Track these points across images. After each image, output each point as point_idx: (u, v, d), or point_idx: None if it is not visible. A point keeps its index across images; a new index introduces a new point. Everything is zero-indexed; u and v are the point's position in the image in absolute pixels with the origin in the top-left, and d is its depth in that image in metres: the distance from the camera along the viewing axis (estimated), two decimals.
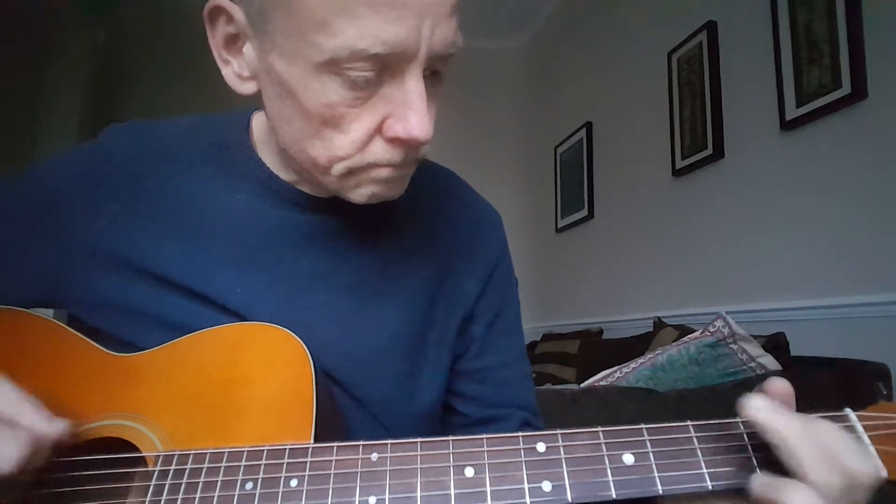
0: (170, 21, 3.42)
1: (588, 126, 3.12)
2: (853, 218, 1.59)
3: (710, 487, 0.38)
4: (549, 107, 3.70)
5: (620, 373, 1.56)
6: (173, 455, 0.45)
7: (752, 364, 1.45)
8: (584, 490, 0.39)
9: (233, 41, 0.50)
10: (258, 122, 0.62)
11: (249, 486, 0.42)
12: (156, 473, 0.44)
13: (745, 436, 0.41)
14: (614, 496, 0.39)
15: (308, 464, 0.42)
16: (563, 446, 0.41)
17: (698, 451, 0.40)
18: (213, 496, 0.42)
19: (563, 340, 2.75)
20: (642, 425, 0.41)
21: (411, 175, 0.54)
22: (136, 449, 0.47)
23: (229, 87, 0.53)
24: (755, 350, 1.49)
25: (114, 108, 3.68)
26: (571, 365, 2.47)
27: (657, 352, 1.57)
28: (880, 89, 1.52)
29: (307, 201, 0.58)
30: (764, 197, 1.90)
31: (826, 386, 1.31)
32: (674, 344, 1.58)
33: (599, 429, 0.41)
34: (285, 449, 0.43)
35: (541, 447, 0.41)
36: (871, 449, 0.39)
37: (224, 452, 0.44)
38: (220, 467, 0.43)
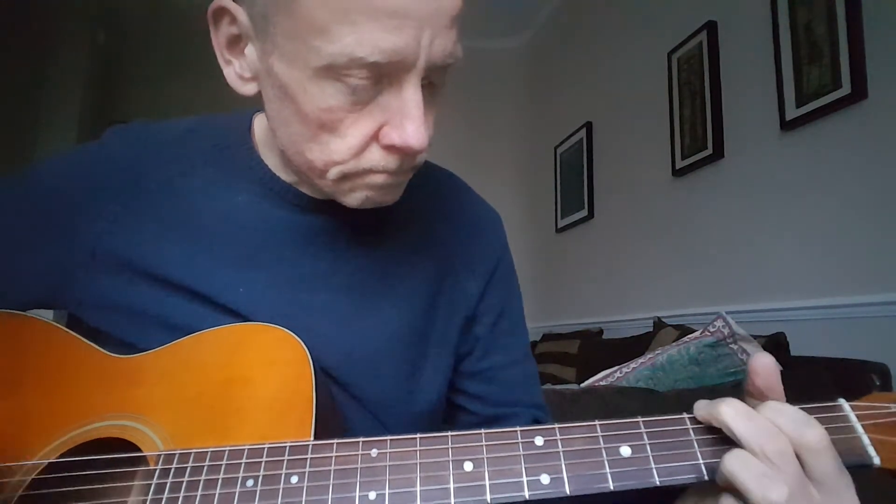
0: (170, 21, 3.43)
1: (588, 126, 3.12)
2: (853, 218, 1.60)
3: (707, 478, 0.39)
4: (549, 107, 3.70)
5: (620, 373, 1.56)
6: (174, 454, 0.45)
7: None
8: (582, 482, 0.39)
9: (235, 42, 0.51)
10: (260, 123, 0.62)
11: (250, 483, 0.42)
12: (157, 472, 0.44)
13: None
14: (612, 488, 0.39)
15: (308, 460, 0.42)
16: (561, 439, 0.41)
17: (694, 443, 0.40)
18: (215, 494, 0.42)
19: (563, 340, 2.76)
20: (639, 418, 0.41)
21: (407, 182, 0.54)
22: (137, 449, 0.47)
23: (230, 88, 0.53)
24: (755, 350, 1.49)
25: (114, 108, 3.69)
26: (571, 365, 2.47)
27: (657, 352, 1.57)
28: (880, 89, 1.53)
29: (308, 202, 0.59)
30: (764, 197, 1.91)
31: (826, 386, 1.31)
32: (674, 344, 1.58)
33: (597, 422, 0.41)
34: (286, 446, 0.43)
35: (539, 441, 0.41)
36: (865, 438, 0.39)
37: (225, 451, 0.44)
38: (221, 465, 0.43)
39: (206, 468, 0.43)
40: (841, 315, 1.60)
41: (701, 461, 0.39)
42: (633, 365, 1.56)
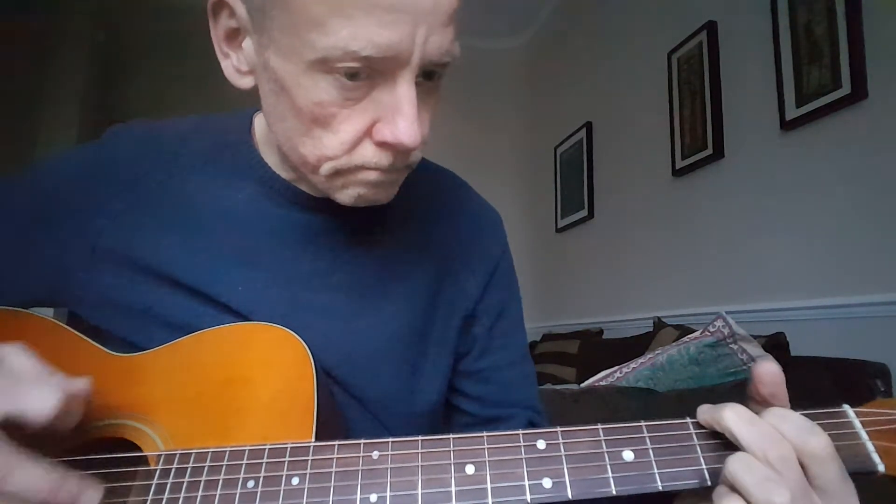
0: (170, 21, 3.43)
1: (588, 126, 3.12)
2: (853, 218, 1.60)
3: (710, 483, 0.38)
4: (549, 107, 3.70)
5: (620, 373, 1.56)
6: (175, 454, 0.45)
7: (752, 364, 1.45)
8: (585, 487, 0.39)
9: (234, 35, 0.51)
10: (260, 122, 0.62)
11: (251, 484, 0.42)
12: (157, 472, 0.44)
13: None
14: (614, 492, 0.39)
15: (309, 462, 0.42)
16: (564, 443, 0.41)
17: (697, 448, 0.40)
18: (215, 495, 0.42)
19: (563, 340, 2.76)
20: (642, 422, 0.41)
21: (401, 181, 0.54)
22: (137, 449, 0.47)
23: (229, 87, 0.53)
24: (755, 350, 1.49)
25: (114, 108, 3.68)
26: (571, 365, 2.47)
27: (657, 352, 1.57)
28: (880, 89, 1.53)
29: (308, 201, 0.59)
30: (764, 197, 1.91)
31: (826, 386, 1.32)
32: (674, 344, 1.58)
33: (599, 426, 0.41)
34: (287, 447, 0.43)
35: (541, 444, 0.41)
36: (869, 445, 0.39)
37: (226, 451, 0.44)
38: (222, 466, 0.43)
39: (206, 468, 0.43)
40: (841, 315, 1.60)
41: (704, 466, 0.39)
42: (633, 365, 1.56)
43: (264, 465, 0.42)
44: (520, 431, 0.42)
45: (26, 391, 0.40)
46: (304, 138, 0.48)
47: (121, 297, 0.56)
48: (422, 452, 0.41)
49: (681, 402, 1.29)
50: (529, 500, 0.39)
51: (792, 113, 1.76)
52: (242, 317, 0.55)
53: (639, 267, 2.63)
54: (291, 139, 0.50)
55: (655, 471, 0.39)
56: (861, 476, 0.38)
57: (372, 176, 0.50)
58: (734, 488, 0.36)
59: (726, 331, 1.50)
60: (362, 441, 0.42)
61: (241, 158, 0.60)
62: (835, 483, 0.36)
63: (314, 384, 0.47)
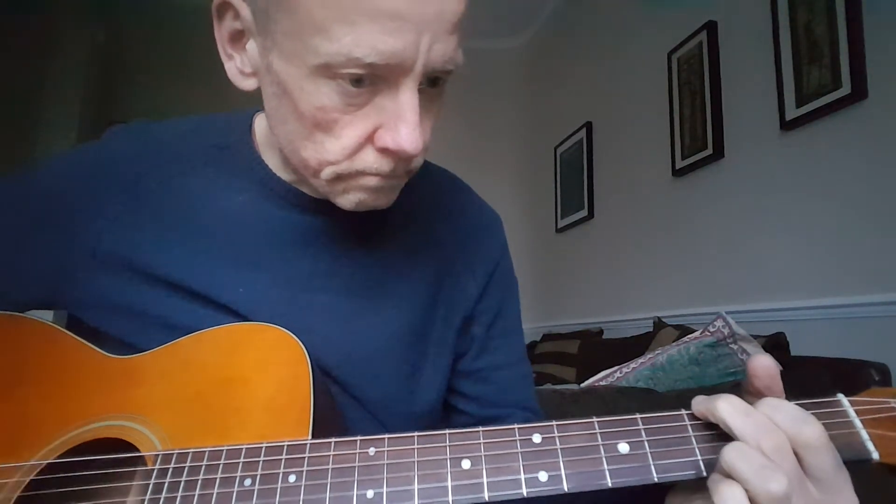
0: (170, 21, 3.43)
1: (588, 126, 3.12)
2: (853, 218, 1.60)
3: (705, 474, 0.39)
4: (549, 107, 3.70)
5: (620, 373, 1.56)
6: (172, 454, 0.45)
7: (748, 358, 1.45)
8: (581, 479, 0.39)
9: (238, 37, 0.51)
10: (260, 123, 0.62)
11: (248, 482, 0.42)
12: (155, 472, 0.44)
13: None
14: (610, 485, 0.39)
15: (306, 459, 0.42)
16: (559, 437, 0.41)
17: (693, 439, 0.40)
18: (212, 493, 0.42)
19: (563, 340, 2.76)
20: (637, 415, 0.41)
21: (402, 186, 0.54)
22: (135, 449, 0.47)
23: (231, 88, 0.53)
24: (755, 350, 1.49)
25: (114, 108, 3.69)
26: (571, 365, 2.47)
27: (657, 352, 1.57)
28: (880, 89, 1.53)
29: (308, 202, 0.59)
30: (764, 197, 1.91)
31: (826, 386, 1.31)
32: (674, 344, 1.58)
33: (594, 419, 0.41)
34: (283, 446, 0.43)
35: (537, 438, 0.41)
36: (864, 433, 0.39)
37: (222, 450, 0.44)
38: (219, 465, 0.43)
39: (203, 468, 0.43)
40: (841, 315, 1.60)
41: (699, 457, 0.39)
42: (633, 365, 1.56)
43: (261, 463, 0.42)
44: (515, 426, 0.42)
45: None
46: (306, 142, 0.48)
47: (120, 299, 0.56)
48: (418, 448, 0.41)
49: (681, 403, 1.28)
50: (525, 494, 0.39)
51: (792, 113, 1.76)
52: (243, 318, 0.55)
53: (639, 267, 2.63)
54: (293, 142, 0.50)
55: (651, 463, 0.39)
56: (856, 465, 0.39)
57: (373, 181, 0.50)
58: (729, 477, 0.36)
59: (726, 331, 1.50)
60: (358, 438, 0.42)
61: (241, 159, 0.60)
62: (829, 471, 0.37)
63: (310, 384, 0.47)
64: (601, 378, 1.59)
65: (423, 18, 0.42)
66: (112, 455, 0.48)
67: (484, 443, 0.41)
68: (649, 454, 0.40)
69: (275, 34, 0.45)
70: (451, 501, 0.39)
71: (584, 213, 3.11)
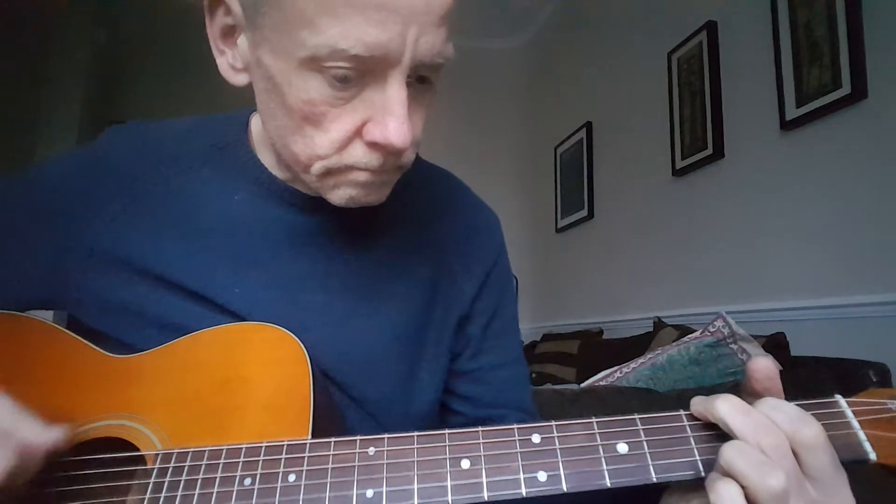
0: (170, 21, 3.43)
1: (588, 126, 3.12)
2: (853, 218, 1.60)
3: (704, 475, 0.39)
4: (549, 107, 3.70)
5: (620, 373, 1.56)
6: (172, 453, 0.45)
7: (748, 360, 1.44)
8: (579, 479, 0.39)
9: (229, 33, 0.51)
10: (257, 122, 0.62)
11: (248, 481, 0.42)
12: (155, 471, 0.44)
13: None
14: (609, 485, 0.39)
15: (306, 459, 0.42)
16: (558, 437, 0.41)
17: (691, 440, 0.40)
18: (212, 492, 0.42)
19: (563, 340, 2.76)
20: (636, 415, 0.41)
21: (393, 182, 0.54)
22: (135, 449, 0.47)
23: (229, 87, 0.53)
24: (755, 350, 1.49)
25: (114, 108, 3.69)
26: (571, 365, 2.47)
27: (657, 352, 1.57)
28: (880, 89, 1.53)
29: (305, 202, 0.59)
30: (764, 197, 1.91)
31: (826, 386, 1.31)
32: (674, 344, 1.58)
33: (594, 419, 0.41)
34: (283, 445, 0.43)
35: (536, 438, 0.41)
36: (861, 434, 0.39)
37: (222, 450, 0.44)
38: (219, 464, 0.43)
39: (203, 467, 0.43)
40: (841, 315, 1.60)
41: (698, 458, 0.39)
42: (633, 365, 1.56)
43: (261, 462, 0.43)
44: (514, 426, 0.42)
45: None
46: (296, 136, 0.48)
47: (118, 299, 0.56)
48: (417, 448, 0.41)
49: (681, 403, 1.28)
50: (525, 494, 0.39)
51: (792, 113, 1.76)
52: (240, 318, 0.55)
53: (639, 267, 2.63)
54: (283, 137, 0.50)
55: (650, 463, 0.39)
56: (854, 465, 0.39)
57: (362, 176, 0.50)
58: (728, 475, 0.36)
59: (726, 331, 1.50)
60: (358, 437, 0.43)
61: (237, 159, 0.60)
62: (827, 471, 0.37)
63: (310, 384, 0.47)
64: (601, 378, 1.58)
65: (409, 10, 0.42)
66: (112, 454, 0.48)
67: (483, 443, 0.41)
68: (648, 454, 0.40)
69: (263, 28, 0.45)
70: (450, 501, 0.39)
71: (584, 213, 3.11)
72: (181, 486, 0.43)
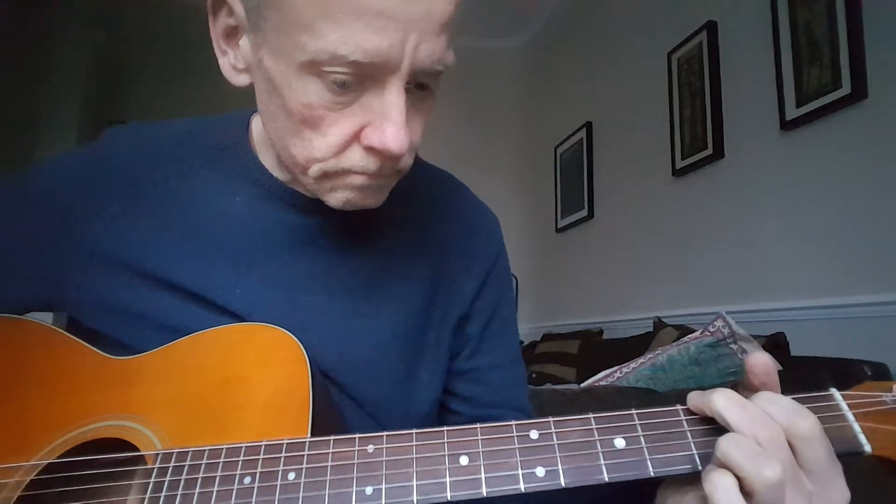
0: (170, 21, 3.43)
1: (588, 126, 3.13)
2: (853, 218, 1.60)
3: (701, 468, 0.39)
4: (549, 107, 3.70)
5: (620, 373, 1.56)
6: (172, 453, 0.45)
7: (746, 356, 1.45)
8: (577, 474, 0.39)
9: (232, 33, 0.51)
10: (257, 123, 0.62)
11: (248, 480, 0.42)
12: (155, 471, 0.44)
13: None
14: (606, 479, 0.39)
15: (305, 457, 0.42)
16: (556, 433, 0.41)
17: (688, 434, 0.40)
18: (212, 491, 0.42)
19: (563, 340, 2.76)
20: (633, 410, 0.42)
21: (391, 186, 0.54)
22: (135, 449, 0.47)
23: (230, 87, 0.53)
24: (755, 350, 1.49)
25: (114, 108, 3.69)
26: (571, 365, 2.47)
27: (657, 352, 1.57)
28: (880, 89, 1.53)
29: (305, 203, 0.59)
30: (764, 197, 1.91)
31: (825, 386, 1.31)
32: (674, 344, 1.58)
33: (591, 415, 0.42)
34: (283, 444, 0.43)
35: (534, 434, 0.41)
36: (856, 426, 0.39)
37: (222, 449, 0.44)
38: (219, 463, 0.43)
39: (203, 466, 0.43)
40: (841, 315, 1.60)
41: (695, 451, 0.40)
42: (633, 365, 1.56)
43: (260, 461, 0.43)
44: (512, 422, 0.42)
45: None
46: (295, 139, 0.49)
47: (118, 300, 0.56)
48: (416, 445, 0.41)
49: (681, 403, 1.29)
50: (523, 489, 0.39)
51: (792, 113, 1.76)
52: (240, 318, 0.55)
53: (639, 267, 2.63)
54: (283, 139, 0.50)
55: (647, 457, 0.40)
56: (849, 457, 0.39)
57: (359, 180, 0.50)
58: (724, 467, 0.37)
59: (726, 331, 1.50)
60: (357, 435, 0.43)
61: (237, 160, 0.60)
62: (822, 464, 0.37)
63: (309, 384, 0.47)
64: (601, 378, 1.59)
65: (409, 17, 0.42)
66: (112, 455, 0.48)
67: (482, 439, 0.41)
68: (645, 449, 0.40)
69: (265, 31, 0.45)
70: (449, 497, 0.39)
71: (584, 213, 3.11)
72: (181, 485, 0.43)
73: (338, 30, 0.41)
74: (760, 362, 0.41)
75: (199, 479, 0.43)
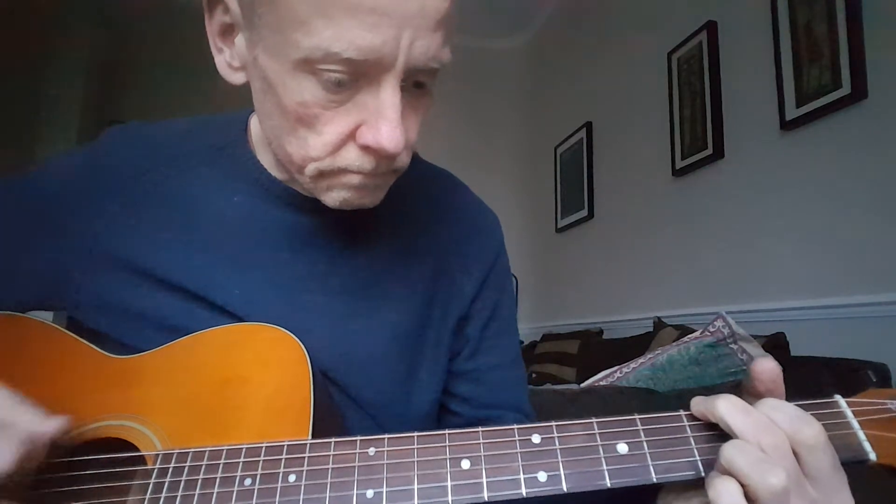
0: (170, 21, 3.43)
1: (588, 126, 3.12)
2: (853, 218, 1.60)
3: (704, 475, 0.39)
4: (549, 107, 3.70)
5: (620, 373, 1.56)
6: (172, 453, 0.45)
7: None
8: (579, 479, 0.39)
9: (228, 31, 0.51)
10: (256, 123, 0.62)
11: (248, 482, 0.42)
12: (155, 472, 0.44)
13: None
14: (609, 485, 0.39)
15: (306, 459, 0.42)
16: (558, 437, 0.41)
17: (691, 440, 0.40)
18: (213, 493, 0.42)
19: (563, 340, 2.76)
20: (636, 415, 0.41)
21: (388, 185, 0.54)
22: (136, 449, 0.47)
23: (228, 87, 0.53)
24: (755, 350, 1.49)
25: (114, 108, 3.69)
26: (571, 365, 2.47)
27: (657, 352, 1.57)
28: (880, 89, 1.53)
29: (304, 202, 0.58)
30: (764, 197, 1.91)
31: (826, 386, 1.31)
32: (674, 344, 1.58)
33: (594, 420, 0.41)
34: (283, 445, 0.43)
35: (536, 439, 0.41)
36: (861, 434, 0.39)
37: (223, 450, 0.44)
38: (219, 464, 0.43)
39: (203, 467, 0.43)
40: (841, 315, 1.60)
41: (698, 458, 0.40)
42: (633, 365, 1.56)
43: (261, 462, 0.43)
44: (514, 426, 0.42)
45: None
46: (290, 137, 0.48)
47: (117, 300, 0.56)
48: (417, 448, 0.41)
49: (681, 403, 1.29)
50: (525, 494, 0.39)
51: (792, 113, 1.76)
52: (239, 318, 0.55)
53: (639, 267, 2.63)
54: (279, 137, 0.50)
55: (650, 463, 0.39)
56: (854, 465, 0.39)
57: (355, 179, 0.50)
58: (728, 474, 0.36)
59: (726, 331, 1.50)
60: (358, 438, 0.43)
61: (236, 160, 0.60)
62: (827, 472, 0.37)
63: (310, 384, 0.47)
64: (601, 378, 1.59)
65: (403, 14, 0.42)
66: (112, 455, 0.48)
67: (483, 443, 0.41)
68: (648, 454, 0.40)
69: (259, 28, 0.45)
70: (450, 501, 0.39)
71: (584, 213, 3.11)
72: (181, 486, 0.43)
73: (331, 27, 0.41)
74: (767, 369, 0.41)
75: (200, 481, 0.43)
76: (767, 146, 1.89)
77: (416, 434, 0.42)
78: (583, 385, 1.59)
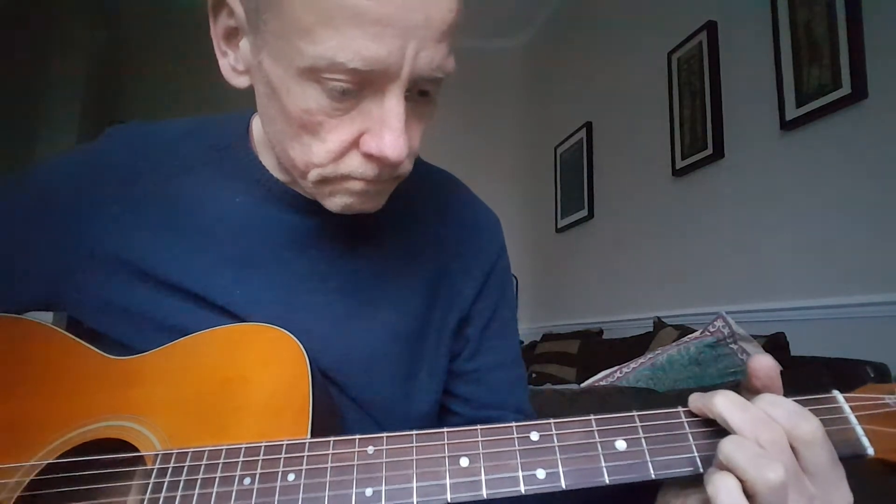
0: (170, 21, 3.43)
1: (588, 126, 3.12)
2: (853, 218, 1.60)
3: (702, 471, 0.39)
4: (549, 107, 3.70)
5: (620, 373, 1.56)
6: (171, 453, 0.45)
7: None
8: (578, 476, 0.39)
9: (232, 35, 0.51)
10: (258, 124, 0.62)
11: (247, 481, 0.42)
12: (154, 471, 0.44)
13: None
14: (607, 482, 0.39)
15: (305, 458, 0.42)
16: (557, 434, 0.41)
17: (689, 436, 0.40)
18: (212, 492, 0.42)
19: (563, 340, 2.76)
20: (634, 412, 0.41)
21: (390, 191, 0.54)
22: (135, 450, 0.47)
23: (229, 88, 0.53)
24: (755, 350, 1.49)
25: (114, 108, 3.69)
26: (571, 365, 2.47)
27: (657, 352, 1.57)
28: (880, 89, 1.53)
29: (305, 203, 0.58)
30: (764, 197, 1.91)
31: (825, 386, 1.31)
32: (674, 344, 1.58)
33: (592, 417, 0.42)
34: (283, 444, 0.43)
35: (534, 436, 0.41)
36: (859, 429, 0.39)
37: (222, 450, 0.44)
38: (218, 464, 0.43)
39: (203, 467, 0.43)
40: (841, 315, 1.60)
41: (696, 454, 0.40)
42: (633, 365, 1.56)
43: (260, 462, 0.43)
44: (513, 424, 0.42)
45: None
46: (294, 143, 0.49)
47: (118, 300, 0.56)
48: (416, 446, 0.41)
49: (681, 403, 1.29)
50: (523, 491, 0.39)
51: (792, 113, 1.76)
52: (239, 319, 0.55)
53: (639, 267, 2.63)
54: (282, 142, 0.50)
55: (648, 459, 0.39)
56: (852, 460, 0.39)
57: (358, 186, 0.50)
58: (726, 469, 0.36)
59: (726, 331, 1.50)
60: (357, 437, 0.43)
61: (238, 161, 0.60)
62: (825, 467, 0.37)
63: (309, 384, 0.47)
64: (601, 378, 1.58)
65: (408, 25, 0.42)
66: (112, 455, 0.48)
67: (482, 440, 0.41)
68: (646, 451, 0.40)
69: (265, 34, 0.45)
70: (449, 499, 0.39)
71: (584, 213, 3.11)
72: (181, 486, 0.43)
73: (336, 37, 0.41)
74: (763, 365, 0.41)
75: (199, 480, 0.43)
76: (767, 146, 1.89)
77: (414, 432, 0.42)
78: (583, 385, 1.59)
